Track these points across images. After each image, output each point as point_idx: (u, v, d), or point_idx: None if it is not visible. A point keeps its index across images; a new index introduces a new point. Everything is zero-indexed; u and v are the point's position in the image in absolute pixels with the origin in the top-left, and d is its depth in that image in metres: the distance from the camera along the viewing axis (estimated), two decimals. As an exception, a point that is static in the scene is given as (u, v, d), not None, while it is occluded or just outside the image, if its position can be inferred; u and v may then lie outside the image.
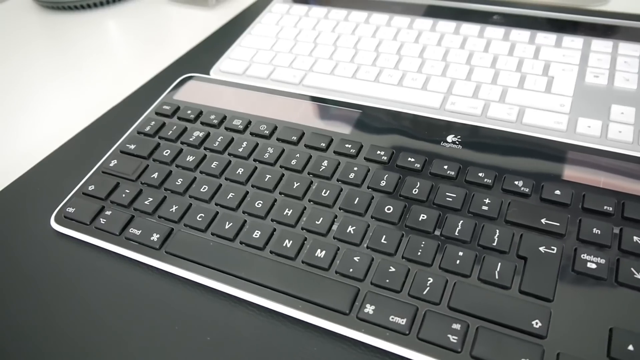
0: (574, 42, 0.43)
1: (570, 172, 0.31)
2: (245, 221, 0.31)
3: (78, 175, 0.37)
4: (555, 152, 0.33)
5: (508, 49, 0.43)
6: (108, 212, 0.33)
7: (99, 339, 0.27)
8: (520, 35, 0.45)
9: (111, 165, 0.36)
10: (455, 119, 0.36)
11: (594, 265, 0.27)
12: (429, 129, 0.35)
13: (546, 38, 0.44)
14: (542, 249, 0.28)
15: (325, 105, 0.38)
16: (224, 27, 0.53)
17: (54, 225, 0.33)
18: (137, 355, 0.26)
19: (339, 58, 0.45)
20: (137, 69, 0.50)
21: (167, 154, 0.36)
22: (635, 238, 0.27)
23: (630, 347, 0.24)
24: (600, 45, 0.43)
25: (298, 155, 0.34)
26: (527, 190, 0.30)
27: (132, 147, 0.37)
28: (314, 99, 0.39)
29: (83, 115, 0.44)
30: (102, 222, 0.32)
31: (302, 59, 0.45)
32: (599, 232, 0.28)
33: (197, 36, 0.54)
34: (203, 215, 0.32)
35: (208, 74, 0.45)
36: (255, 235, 0.30)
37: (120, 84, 0.48)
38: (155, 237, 0.31)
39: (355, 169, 0.33)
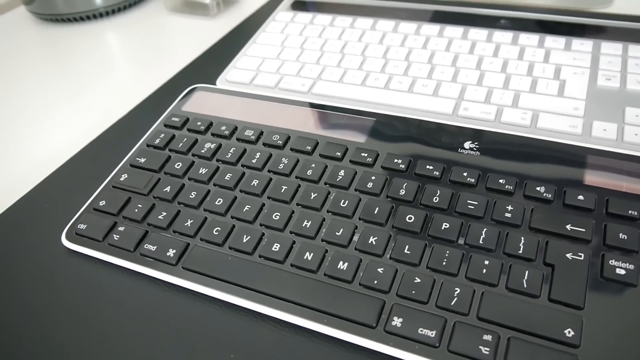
0: (583, 45, 0.43)
1: (592, 177, 0.31)
2: (264, 234, 0.31)
3: (87, 191, 0.36)
4: (575, 156, 0.32)
5: (517, 53, 0.43)
6: (121, 228, 0.32)
7: (118, 360, 0.26)
8: (529, 39, 0.44)
9: (122, 179, 0.35)
10: (469, 125, 0.36)
11: (623, 271, 0.26)
12: (445, 135, 0.35)
13: (555, 41, 0.44)
14: (569, 255, 0.27)
15: (337, 114, 0.38)
16: (227, 36, 0.53)
17: (65, 242, 0.32)
18: (159, 376, 0.26)
19: (347, 65, 0.45)
20: (141, 80, 0.49)
21: (178, 167, 0.35)
22: (662, 242, 0.27)
23: (667, 355, 0.23)
24: (610, 48, 0.42)
25: (313, 165, 0.34)
26: (549, 196, 0.30)
27: (143, 160, 0.36)
28: (324, 107, 0.39)
29: (88, 128, 0.44)
30: (115, 238, 0.32)
31: (309, 67, 0.45)
32: (626, 237, 0.27)
33: (200, 46, 0.53)
34: (219, 229, 0.31)
35: (214, 84, 0.45)
36: (275, 248, 0.30)
37: (125, 96, 0.47)
38: (171, 252, 0.30)
39: (373, 178, 0.32)
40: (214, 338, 0.27)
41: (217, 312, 0.28)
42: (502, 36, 0.45)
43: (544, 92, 0.39)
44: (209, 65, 0.48)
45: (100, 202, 0.34)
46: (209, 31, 0.56)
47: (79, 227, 0.33)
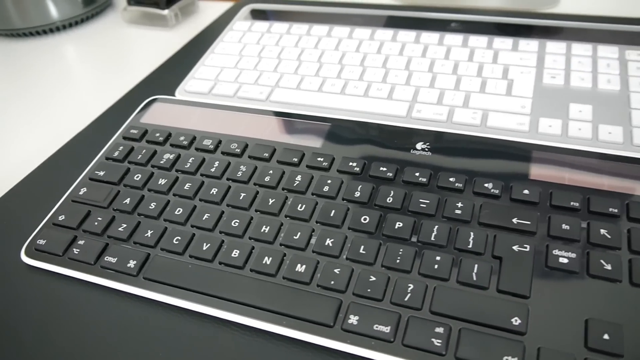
0: (529, 45, 0.45)
1: (537, 171, 0.32)
2: (223, 241, 0.31)
3: (46, 206, 0.36)
4: (521, 152, 0.34)
5: (468, 55, 0.45)
6: (81, 242, 0.32)
7: (80, 373, 0.27)
8: (478, 41, 0.46)
9: (81, 193, 0.35)
10: (422, 126, 0.37)
11: (565, 260, 0.28)
12: (398, 137, 0.36)
13: (503, 42, 0.46)
14: (515, 247, 0.28)
15: (294, 120, 0.39)
16: (185, 46, 0.53)
17: (25, 258, 0.32)
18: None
19: (304, 72, 0.45)
20: (100, 93, 0.49)
21: (138, 179, 0.35)
22: (602, 231, 0.29)
23: (606, 336, 0.25)
24: (555, 47, 0.44)
25: (271, 171, 0.34)
26: (497, 191, 0.31)
27: (102, 173, 0.36)
28: (282, 114, 0.39)
29: (47, 144, 0.43)
30: (75, 252, 0.32)
31: (267, 75, 0.46)
32: (568, 228, 0.29)
33: (159, 57, 0.53)
34: (180, 238, 0.31)
35: (173, 95, 0.45)
36: (234, 254, 0.30)
37: (83, 109, 0.47)
38: (132, 263, 0.31)
39: (329, 181, 0.33)
40: (177, 346, 0.27)
41: (179, 320, 0.29)
42: (453, 39, 0.47)
43: (493, 91, 0.41)
44: (168, 76, 0.49)
45: (60, 217, 0.34)
46: (167, 42, 0.56)
47: (38, 242, 0.33)
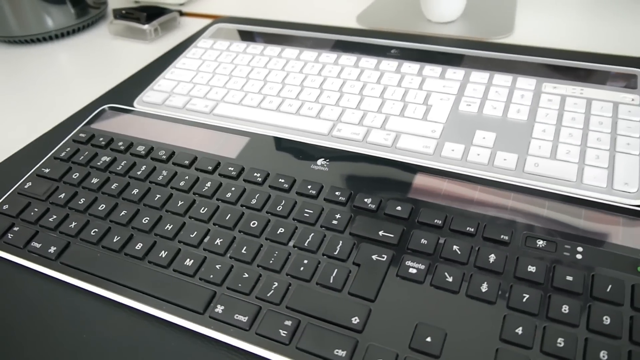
0: (455, 74, 0.48)
1: (416, 191, 0.36)
2: (132, 235, 0.36)
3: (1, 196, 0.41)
4: (408, 172, 0.37)
5: (397, 80, 0.48)
6: (16, 228, 0.37)
7: (-10, 338, 0.32)
8: (410, 67, 0.50)
9: (26, 186, 0.40)
10: (338, 144, 0.41)
11: (414, 271, 0.31)
12: (304, 153, 0.40)
13: (432, 70, 0.49)
14: (374, 257, 0.32)
15: (219, 132, 0.43)
16: (156, 60, 0.59)
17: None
18: (27, 346, 0.31)
19: (249, 89, 0.50)
20: (79, 98, 0.55)
21: (75, 177, 0.41)
22: (454, 247, 0.32)
23: (429, 339, 0.28)
24: (478, 77, 0.48)
25: (187, 177, 0.39)
26: (373, 206, 0.35)
27: (47, 170, 0.42)
28: (211, 126, 0.44)
29: (25, 137, 0.49)
30: (9, 237, 0.37)
31: (216, 90, 0.50)
32: (426, 242, 0.32)
33: (135, 68, 0.59)
34: (97, 230, 0.36)
35: (133, 104, 0.50)
36: (138, 247, 0.35)
37: (56, 112, 0.53)
38: (52, 249, 0.35)
39: (233, 189, 0.37)
40: (76, 321, 0.32)
41: (83, 300, 0.33)
42: (389, 64, 0.50)
43: (411, 115, 0.44)
44: (133, 86, 0.54)
45: (4, 206, 0.39)
46: (146, 54, 0.62)
47: (-18, 227, 0.38)
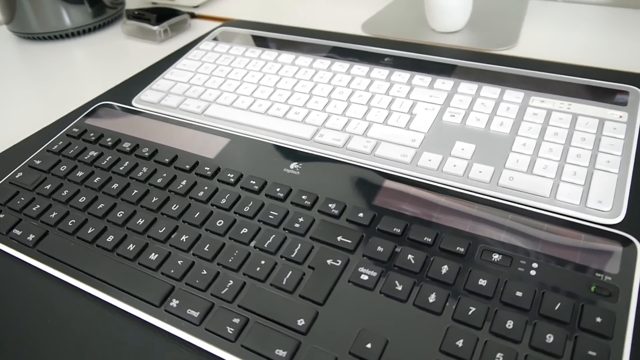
0: (444, 84, 0.48)
1: (382, 199, 0.36)
2: (106, 227, 0.37)
3: (-5, 184, 0.44)
4: (378, 180, 0.38)
5: (386, 89, 0.49)
6: (1, 215, 0.39)
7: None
8: (400, 76, 0.50)
9: (17, 177, 0.43)
10: (320, 149, 0.42)
11: (366, 277, 0.31)
12: (279, 157, 0.41)
13: (422, 80, 0.49)
14: (329, 261, 0.33)
15: (204, 133, 0.44)
16: (161, 60, 0.60)
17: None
18: (-13, 331, 0.32)
19: (241, 92, 0.51)
20: (82, 94, 0.57)
21: (63, 169, 0.42)
22: (409, 256, 0.32)
23: (369, 345, 0.28)
24: (466, 88, 0.47)
25: (165, 174, 0.40)
26: (337, 212, 0.35)
27: (38, 162, 0.44)
28: (195, 126, 0.45)
29: (24, 132, 0.51)
30: (-6, 223, 0.39)
31: (210, 91, 0.52)
32: (382, 250, 0.33)
33: (141, 68, 0.61)
34: (74, 221, 0.38)
35: (131, 102, 0.52)
36: (109, 239, 0.36)
37: (63, 107, 0.55)
38: (31, 237, 0.37)
39: (206, 188, 0.39)
40: (44, 307, 0.33)
41: (53, 288, 0.35)
42: (379, 73, 0.51)
43: (394, 124, 0.45)
44: (135, 85, 0.56)
45: (-5, 194, 0.41)
46: (154, 54, 0.64)
47: (-28, 213, 0.40)
